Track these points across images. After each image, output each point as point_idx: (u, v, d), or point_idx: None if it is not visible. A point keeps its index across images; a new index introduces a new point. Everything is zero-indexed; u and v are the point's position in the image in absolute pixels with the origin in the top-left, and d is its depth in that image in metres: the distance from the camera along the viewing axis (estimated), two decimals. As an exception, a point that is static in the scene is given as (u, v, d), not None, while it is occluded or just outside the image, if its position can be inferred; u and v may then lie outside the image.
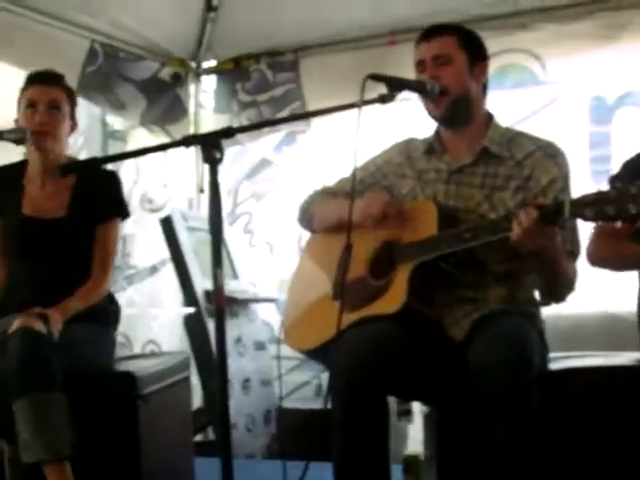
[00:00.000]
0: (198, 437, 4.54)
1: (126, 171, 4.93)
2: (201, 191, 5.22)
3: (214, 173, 2.01)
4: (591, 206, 2.13)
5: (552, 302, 2.62)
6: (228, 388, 2.04)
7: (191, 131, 5.24)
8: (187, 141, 2.15)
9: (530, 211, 2.23)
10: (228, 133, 2.09)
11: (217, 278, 2.01)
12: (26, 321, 2.67)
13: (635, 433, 2.48)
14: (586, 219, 2.17)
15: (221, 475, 1.98)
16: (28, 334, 2.64)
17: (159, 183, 5.19)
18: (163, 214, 4.78)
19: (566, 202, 2.18)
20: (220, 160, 2.02)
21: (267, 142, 5.17)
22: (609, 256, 2.84)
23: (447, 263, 2.50)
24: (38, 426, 2.57)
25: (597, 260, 2.83)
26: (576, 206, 2.16)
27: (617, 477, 2.52)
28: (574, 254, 2.56)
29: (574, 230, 2.55)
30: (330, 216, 2.80)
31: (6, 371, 2.62)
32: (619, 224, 2.57)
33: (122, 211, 3.16)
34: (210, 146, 2.02)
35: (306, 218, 2.93)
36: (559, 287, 2.55)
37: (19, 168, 3.15)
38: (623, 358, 2.79)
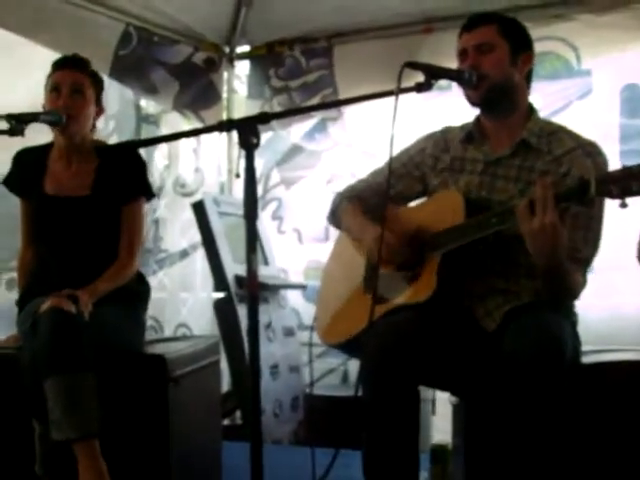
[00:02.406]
0: (225, 421, 4.56)
1: (159, 156, 4.95)
2: (237, 176, 5.19)
3: (250, 158, 2.02)
4: (617, 183, 2.12)
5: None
6: (260, 374, 2.04)
7: (224, 116, 5.24)
8: (224, 126, 2.16)
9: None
10: (264, 118, 2.09)
11: (251, 263, 2.01)
12: (56, 301, 2.69)
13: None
14: (612, 196, 2.15)
15: (250, 460, 1.98)
16: (58, 314, 2.66)
17: (191, 168, 5.20)
18: (195, 198, 4.80)
19: (592, 180, 2.16)
20: (256, 145, 2.03)
21: (298, 129, 5.17)
22: None
23: (476, 250, 2.50)
24: (68, 405, 2.60)
25: None
26: (602, 183, 2.14)
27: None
28: (586, 261, 2.50)
29: (596, 233, 2.52)
30: (353, 234, 2.84)
31: (37, 351, 2.64)
32: None
33: (147, 191, 3.16)
34: (247, 131, 2.03)
35: (335, 222, 2.96)
36: (560, 294, 2.49)
37: (45, 150, 3.16)
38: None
